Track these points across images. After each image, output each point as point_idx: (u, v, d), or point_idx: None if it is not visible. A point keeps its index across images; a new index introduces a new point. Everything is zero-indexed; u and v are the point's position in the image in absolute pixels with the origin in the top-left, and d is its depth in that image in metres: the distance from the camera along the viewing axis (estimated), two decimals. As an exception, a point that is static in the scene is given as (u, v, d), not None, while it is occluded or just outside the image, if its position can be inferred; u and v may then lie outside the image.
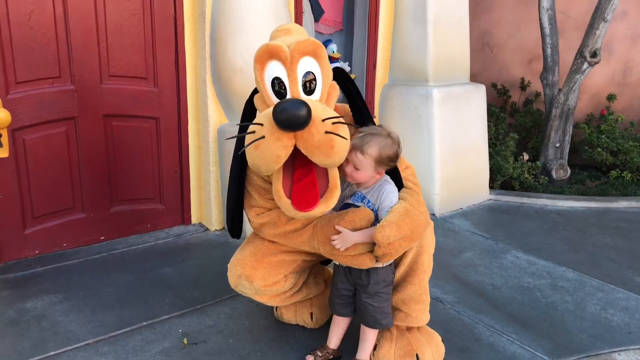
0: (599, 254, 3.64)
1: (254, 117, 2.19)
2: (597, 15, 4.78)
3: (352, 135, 2.12)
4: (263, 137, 1.84)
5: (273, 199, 2.12)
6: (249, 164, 1.98)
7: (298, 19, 3.85)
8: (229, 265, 2.38)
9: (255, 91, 2.15)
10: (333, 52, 4.35)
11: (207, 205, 3.79)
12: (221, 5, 3.41)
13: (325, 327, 2.54)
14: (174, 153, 3.70)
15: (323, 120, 1.84)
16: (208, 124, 3.61)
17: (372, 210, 2.15)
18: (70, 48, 3.17)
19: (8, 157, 3.04)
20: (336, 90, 2.10)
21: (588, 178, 5.24)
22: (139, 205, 3.66)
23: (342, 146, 1.89)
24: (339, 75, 2.22)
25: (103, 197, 3.49)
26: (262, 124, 1.86)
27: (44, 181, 3.25)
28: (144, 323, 2.68)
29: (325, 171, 1.98)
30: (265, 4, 3.46)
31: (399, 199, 2.17)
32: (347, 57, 4.52)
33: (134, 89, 3.46)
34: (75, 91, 3.24)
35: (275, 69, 1.96)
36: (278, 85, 1.97)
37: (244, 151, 1.96)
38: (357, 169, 2.11)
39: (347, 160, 2.08)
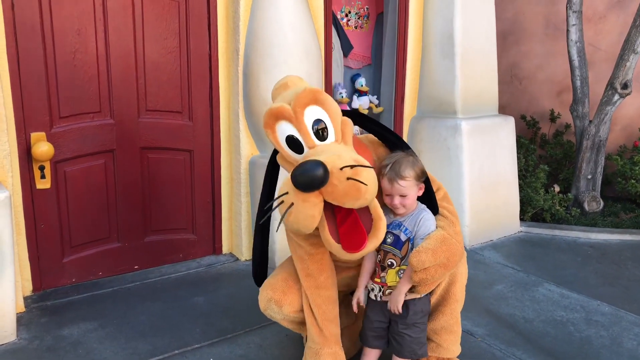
0: (635, 287, 3.56)
1: (277, 175, 2.33)
2: (627, 47, 4.77)
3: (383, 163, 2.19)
4: (292, 204, 1.90)
5: (318, 245, 2.22)
6: (290, 230, 2.04)
7: (328, 55, 3.96)
8: (260, 288, 2.44)
9: (276, 151, 2.22)
10: (362, 85, 4.43)
11: (237, 235, 3.86)
12: (254, 42, 3.54)
13: (355, 358, 2.53)
14: (206, 184, 3.80)
15: (341, 169, 1.87)
16: (240, 156, 3.71)
17: (408, 237, 2.18)
18: (111, 84, 3.33)
19: (50, 188, 3.19)
20: (350, 126, 2.14)
21: (622, 210, 5.14)
22: (172, 235, 3.75)
23: (369, 187, 1.90)
24: (354, 118, 2.28)
25: (137, 227, 3.59)
26: (287, 192, 1.92)
27: (82, 211, 3.37)
28: (177, 351, 2.72)
29: (365, 207, 2.00)
30: (295, 40, 3.58)
31: (437, 227, 2.19)
32: (376, 90, 4.60)
33: (170, 122, 3.59)
34: (114, 125, 3.39)
35: (284, 128, 2.04)
36: (293, 141, 2.04)
37: (267, 211, 2.08)
38: (404, 196, 2.16)
39: (389, 195, 2.15)
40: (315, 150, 1.99)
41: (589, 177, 5.07)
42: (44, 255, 3.27)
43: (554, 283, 3.60)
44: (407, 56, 4.39)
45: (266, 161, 3.55)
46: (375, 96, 4.55)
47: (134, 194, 3.53)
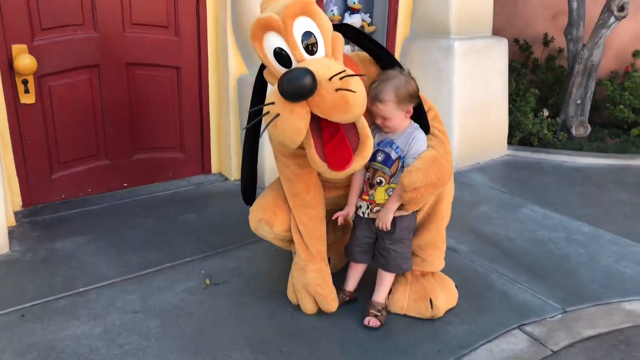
0: (615, 209, 3.66)
1: (265, 92, 2.24)
2: (627, -32, 4.64)
3: (374, 81, 2.16)
4: (278, 114, 1.86)
5: (305, 166, 2.20)
6: (275, 143, 2.01)
7: (319, -32, 3.80)
8: (250, 209, 2.46)
9: (263, 66, 2.14)
10: (354, 2, 4.29)
11: (226, 155, 3.86)
12: (242, -48, 3.38)
13: (342, 272, 2.61)
14: (194, 103, 3.75)
15: (330, 79, 1.82)
16: (228, 74, 3.63)
17: (399, 156, 2.20)
18: (93, -5, 3.19)
19: (34, 103, 3.13)
20: (340, 41, 2.07)
21: (608, 136, 5.19)
22: (161, 154, 3.74)
23: (357, 98, 1.87)
24: (347, 31, 2.21)
25: (126, 144, 3.57)
26: (273, 103, 1.87)
27: (69, 128, 3.33)
28: (168, 264, 2.79)
29: (352, 125, 1.97)
30: (286, -48, 3.42)
31: (428, 146, 2.20)
32: (368, 8, 4.46)
33: (156, 37, 3.49)
34: (99, 39, 3.28)
35: (272, 40, 1.95)
36: (281, 55, 1.96)
37: (255, 124, 2.04)
38: (386, 118, 2.15)
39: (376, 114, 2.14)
40: (303, 64, 1.92)
41: (578, 102, 5.07)
42: (32, 171, 3.26)
43: (538, 204, 3.69)
44: (402, -28, 4.23)
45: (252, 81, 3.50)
46: (368, 14, 4.41)
47: (121, 111, 3.48)
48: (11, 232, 2.97)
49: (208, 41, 3.65)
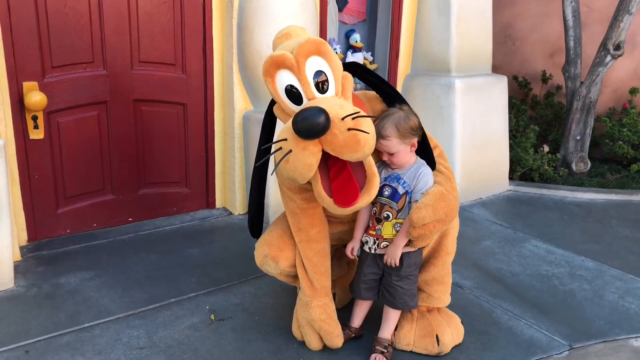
0: (618, 244, 3.67)
1: (274, 127, 2.30)
2: (622, 8, 4.77)
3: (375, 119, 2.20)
4: (290, 151, 1.89)
5: (310, 200, 2.25)
6: (285, 178, 2.05)
7: (323, 9, 3.91)
8: (256, 244, 2.47)
9: (273, 102, 2.19)
10: (356, 41, 4.40)
11: (231, 190, 3.89)
12: (249, -6, 3.48)
13: (347, 308, 2.61)
14: (200, 138, 3.80)
15: (343, 119, 1.86)
16: (234, 110, 3.70)
17: (406, 191, 2.23)
18: (103, 34, 3.28)
19: (43, 138, 3.18)
20: (350, 81, 2.12)
21: (608, 171, 5.23)
22: (166, 189, 3.76)
23: (368, 138, 1.90)
24: (356, 69, 2.28)
25: (131, 179, 3.60)
26: (286, 139, 1.91)
27: (76, 163, 3.37)
28: (173, 300, 2.78)
29: (359, 162, 2.00)
30: (291, -7, 3.53)
31: (434, 182, 2.23)
32: (370, 47, 4.57)
33: (163, 75, 3.56)
34: (107, 76, 3.35)
35: (285, 77, 2.00)
36: (292, 92, 2.01)
37: (263, 162, 2.09)
38: (391, 154, 2.19)
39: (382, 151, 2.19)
40: (315, 102, 1.97)
41: (578, 137, 5.13)
42: (38, 205, 3.28)
43: (541, 239, 3.70)
44: (403, 13, 4.35)
45: (260, 116, 3.56)
46: (370, 53, 4.52)
47: (128, 146, 3.53)
48: (16, 267, 2.97)
49: (214, 78, 3.72)
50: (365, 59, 4.47)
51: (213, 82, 3.73)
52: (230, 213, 3.93)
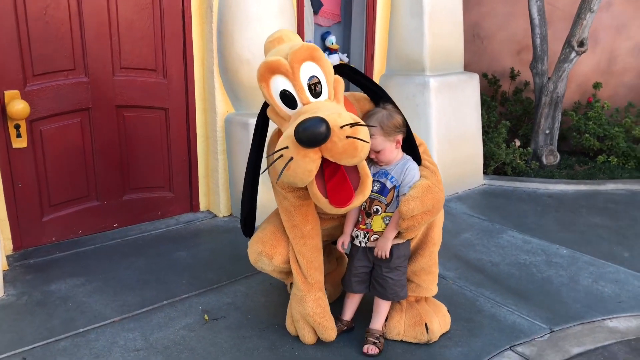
0: (590, 232, 3.85)
1: (266, 129, 2.38)
2: (584, 6, 4.98)
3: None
4: (292, 158, 1.97)
5: (304, 198, 2.33)
6: (285, 182, 2.13)
7: (300, 12, 3.99)
8: (249, 242, 2.53)
9: (266, 104, 2.27)
10: (332, 43, 4.49)
11: (215, 192, 3.93)
12: (228, -1, 3.54)
13: (337, 302, 2.69)
14: (182, 142, 3.83)
15: (341, 127, 1.94)
16: (215, 114, 3.74)
17: (394, 185, 2.32)
18: (84, 42, 3.29)
19: (26, 147, 3.18)
20: (341, 84, 2.21)
21: (577, 163, 5.45)
22: (150, 194, 3.79)
23: (365, 144, 1.99)
24: (344, 69, 2.38)
25: (116, 185, 3.62)
26: (287, 147, 1.98)
27: (60, 170, 3.37)
28: (165, 302, 2.82)
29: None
30: (269, -3, 3.60)
31: (420, 177, 2.33)
32: (346, 48, 4.67)
33: (144, 80, 3.58)
34: (89, 83, 3.36)
35: (279, 82, 2.08)
36: (287, 96, 2.09)
37: (255, 162, 2.28)
38: (377, 151, 2.28)
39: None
40: (310, 106, 2.05)
41: (547, 132, 5.33)
42: (23, 214, 3.27)
43: (517, 230, 3.85)
44: (377, 14, 4.46)
45: (242, 119, 3.63)
46: (346, 54, 4.62)
47: (111, 152, 3.54)
48: (4, 276, 2.96)
49: (195, 83, 3.76)
50: (341, 60, 4.56)
51: (194, 86, 3.77)
52: (215, 215, 3.97)
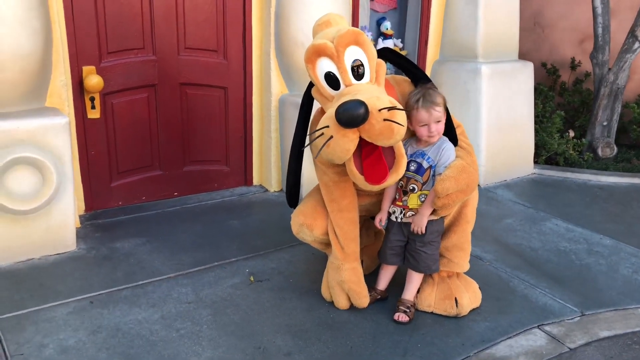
0: (638, 225, 3.81)
1: (311, 107, 2.55)
2: (651, -5, 4.84)
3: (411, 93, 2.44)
4: (331, 137, 2.12)
5: (342, 174, 2.47)
6: (324, 159, 2.28)
7: (355, -2, 4.13)
8: (292, 215, 2.73)
9: (311, 84, 2.43)
10: (387, 29, 4.60)
11: (267, 168, 4.17)
12: (286, -16, 3.73)
13: (373, 274, 2.86)
14: (239, 120, 4.08)
15: (380, 110, 2.08)
16: (271, 94, 3.96)
17: (430, 165, 2.46)
18: (153, 22, 3.57)
19: (99, 118, 3.50)
20: (383, 68, 2.35)
21: (635, 157, 5.32)
22: (208, 166, 4.07)
23: (400, 127, 2.12)
24: (388, 54, 2.51)
25: (177, 157, 3.91)
26: (328, 126, 2.14)
27: (127, 141, 3.69)
28: (216, 263, 3.08)
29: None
30: (325, -17, 3.75)
31: (456, 157, 2.45)
32: (400, 34, 4.76)
33: (206, 60, 3.84)
34: (156, 61, 3.65)
35: (325, 64, 2.23)
36: (331, 78, 2.24)
37: (301, 137, 2.43)
38: (439, 121, 2.41)
39: (425, 125, 2.40)
40: (352, 88, 2.20)
41: (605, 123, 5.23)
42: (94, 179, 3.61)
43: (561, 219, 3.87)
44: (432, 1, 4.52)
45: (296, 100, 3.81)
46: (400, 40, 4.72)
47: (174, 126, 3.83)
48: (77, 233, 3.30)
49: (253, 64, 3.99)
50: (395, 45, 4.66)
51: (252, 67, 3.99)
52: (267, 190, 4.21)
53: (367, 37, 2.29)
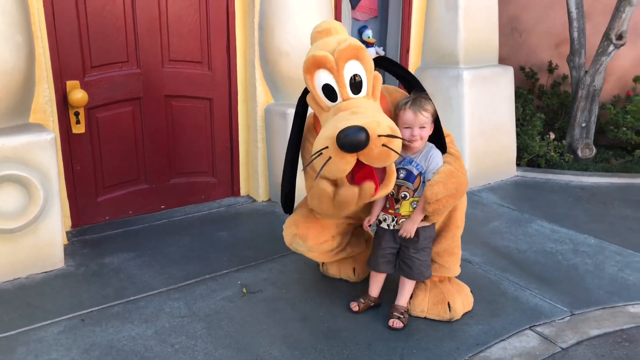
0: (620, 224, 3.89)
1: (306, 114, 2.55)
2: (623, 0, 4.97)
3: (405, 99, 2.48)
4: (330, 158, 2.14)
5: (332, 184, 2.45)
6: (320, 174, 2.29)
7: (338, 7, 4.17)
8: (284, 225, 2.74)
9: (306, 91, 2.44)
10: (369, 37, 4.64)
11: (254, 178, 4.16)
12: (269, -5, 3.74)
13: (365, 281, 2.87)
14: (225, 131, 4.07)
15: (379, 136, 2.10)
16: (256, 104, 3.97)
17: (420, 172, 2.49)
18: (137, 36, 3.56)
19: (84, 132, 3.47)
20: (379, 81, 2.37)
21: (613, 157, 5.44)
22: (194, 178, 4.05)
23: (396, 154, 2.17)
24: (385, 63, 2.55)
25: (163, 170, 3.89)
26: (327, 147, 2.14)
27: (113, 155, 3.66)
28: (207, 276, 3.07)
29: None
30: (308, -7, 3.79)
31: (444, 162, 2.48)
32: (382, 42, 4.82)
33: (191, 72, 3.84)
34: (141, 74, 3.63)
35: (323, 76, 2.24)
36: (329, 90, 2.25)
37: (294, 149, 2.46)
38: (424, 128, 2.44)
39: (409, 128, 2.42)
40: (350, 103, 2.22)
41: (583, 125, 5.34)
42: (80, 194, 3.57)
43: (546, 220, 3.93)
44: (413, 9, 4.58)
45: (281, 109, 3.83)
46: (382, 47, 4.77)
47: (160, 139, 3.81)
48: (65, 249, 3.26)
49: (238, 74, 3.99)
50: (377, 53, 4.71)
51: (236, 78, 4.00)
52: (254, 200, 4.20)
53: (367, 51, 2.29)
